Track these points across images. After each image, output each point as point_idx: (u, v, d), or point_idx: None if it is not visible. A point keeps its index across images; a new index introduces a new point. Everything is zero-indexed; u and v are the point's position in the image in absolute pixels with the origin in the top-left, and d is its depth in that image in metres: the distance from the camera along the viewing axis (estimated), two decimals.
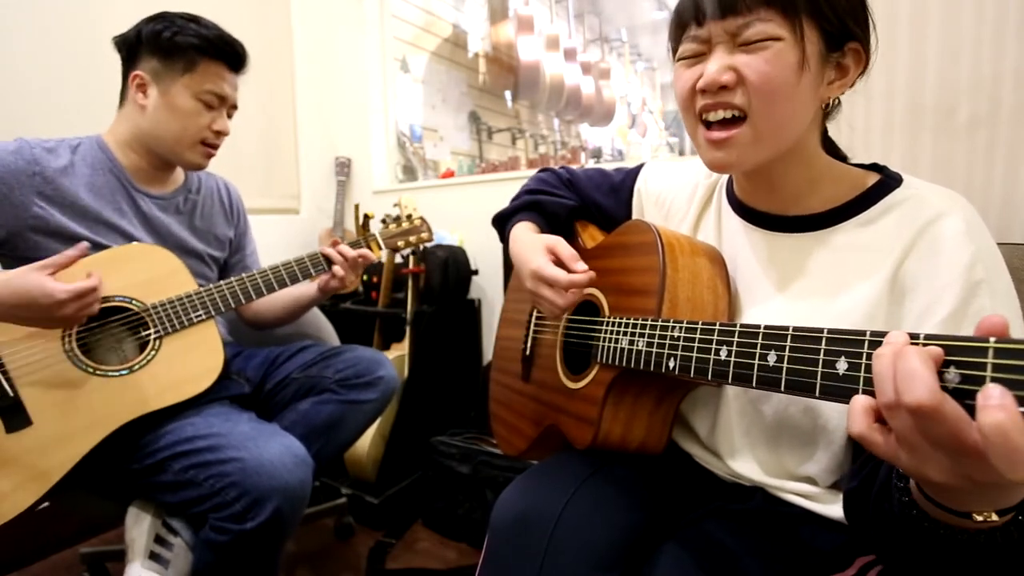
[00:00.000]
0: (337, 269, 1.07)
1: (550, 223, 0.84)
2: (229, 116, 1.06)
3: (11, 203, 0.89)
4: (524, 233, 0.80)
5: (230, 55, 1.01)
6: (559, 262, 0.70)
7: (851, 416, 0.35)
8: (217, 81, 1.00)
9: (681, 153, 2.51)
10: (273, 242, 1.35)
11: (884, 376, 0.33)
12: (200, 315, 0.96)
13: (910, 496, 0.40)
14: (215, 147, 1.05)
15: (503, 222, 0.87)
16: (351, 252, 1.08)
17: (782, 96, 0.54)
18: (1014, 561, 0.38)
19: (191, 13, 1.00)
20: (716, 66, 0.55)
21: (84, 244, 0.84)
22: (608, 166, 0.89)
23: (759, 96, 0.54)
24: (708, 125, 0.58)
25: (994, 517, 0.35)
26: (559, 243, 0.72)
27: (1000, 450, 0.27)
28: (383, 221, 1.17)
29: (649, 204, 0.80)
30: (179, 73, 0.98)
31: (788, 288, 0.61)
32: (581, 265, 0.69)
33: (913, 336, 0.34)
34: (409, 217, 1.17)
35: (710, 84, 0.55)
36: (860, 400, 0.35)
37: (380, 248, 1.13)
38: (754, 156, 0.57)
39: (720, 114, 0.56)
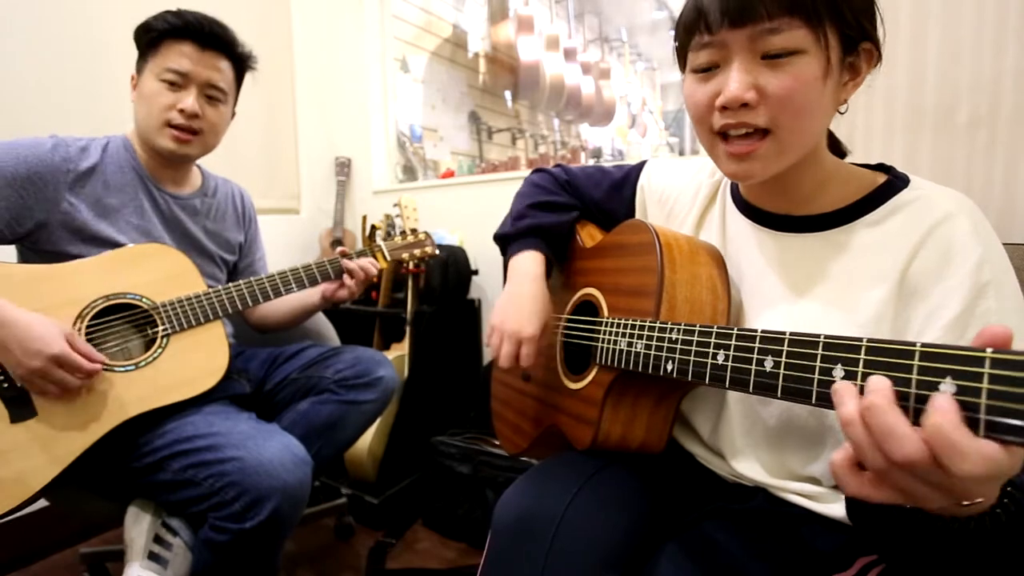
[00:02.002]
0: (351, 283, 1.09)
1: (553, 246, 0.83)
2: (212, 99, 1.02)
3: (44, 197, 0.92)
4: (532, 278, 0.78)
5: (195, 32, 0.98)
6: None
7: (840, 479, 0.36)
8: (177, 58, 0.97)
9: (681, 153, 2.51)
10: (273, 242, 1.36)
11: (863, 444, 0.34)
12: (208, 315, 0.97)
13: None
14: (186, 129, 1.00)
15: (505, 240, 0.85)
16: (358, 269, 1.09)
17: (808, 110, 0.53)
18: (1007, 550, 0.39)
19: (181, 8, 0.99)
20: (738, 84, 0.52)
21: (104, 360, 0.86)
22: (608, 165, 0.89)
23: (786, 114, 0.52)
24: (726, 137, 0.56)
25: (979, 499, 0.36)
26: (547, 322, 0.76)
27: (941, 448, 0.31)
28: (388, 233, 1.19)
29: (652, 202, 0.80)
30: (148, 59, 0.99)
31: (795, 289, 0.61)
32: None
33: (911, 344, 0.35)
34: (414, 232, 1.20)
35: (732, 102, 0.53)
36: (838, 459, 0.36)
37: (386, 260, 1.16)
38: (777, 166, 0.56)
39: (742, 130, 0.55)
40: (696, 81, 0.57)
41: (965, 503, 0.36)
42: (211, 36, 1.00)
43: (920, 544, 0.43)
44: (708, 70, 0.56)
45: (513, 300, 0.76)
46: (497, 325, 0.75)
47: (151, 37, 0.98)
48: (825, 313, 0.58)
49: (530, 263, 0.80)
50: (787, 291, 0.61)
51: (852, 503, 0.52)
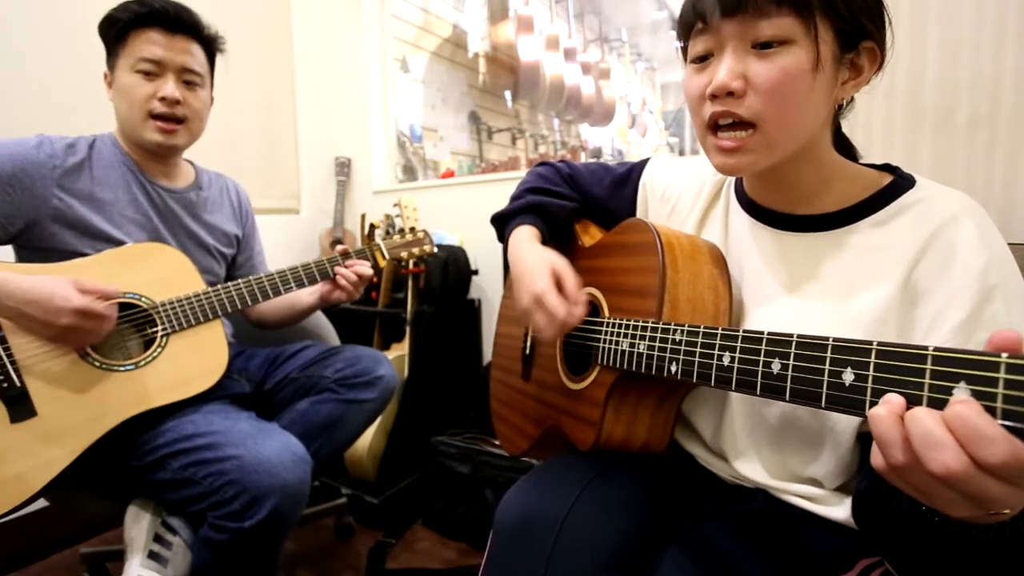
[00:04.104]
0: (346, 285, 1.08)
1: (550, 226, 0.83)
2: (190, 83, 1.01)
3: (33, 194, 0.91)
4: (527, 242, 0.78)
5: (161, 17, 0.96)
6: (560, 288, 0.69)
7: (873, 452, 0.36)
8: (148, 46, 0.96)
9: (681, 153, 2.51)
10: (274, 242, 1.36)
11: (889, 440, 0.33)
12: (207, 315, 0.97)
13: None
14: (170, 118, 0.99)
15: (502, 222, 0.86)
16: (345, 277, 1.09)
17: (794, 102, 0.52)
18: (1022, 556, 0.38)
19: None
20: (726, 71, 0.53)
21: (117, 291, 0.88)
22: (611, 162, 0.89)
23: (771, 103, 0.52)
24: (717, 130, 0.56)
25: (1005, 511, 0.35)
26: (565, 270, 0.70)
27: (966, 435, 0.30)
28: (387, 232, 1.18)
29: (654, 199, 0.79)
30: (119, 53, 0.98)
31: (797, 289, 0.61)
32: (581, 307, 0.68)
33: (922, 348, 0.34)
34: (413, 230, 1.19)
35: (719, 89, 0.53)
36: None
37: (384, 258, 1.15)
38: (765, 161, 0.56)
39: (729, 119, 0.55)
40: (693, 72, 0.58)
41: (991, 512, 0.35)
42: (177, 20, 0.98)
43: (927, 547, 0.42)
44: (704, 59, 0.57)
45: (517, 275, 0.74)
46: (525, 305, 0.71)
47: (117, 29, 0.97)
48: (826, 313, 0.57)
49: (524, 234, 0.79)
50: (788, 290, 0.61)
51: (858, 502, 0.51)
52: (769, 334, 0.45)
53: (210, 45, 1.05)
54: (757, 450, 0.64)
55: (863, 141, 1.14)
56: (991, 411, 0.30)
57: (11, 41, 1.40)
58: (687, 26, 0.57)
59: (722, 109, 0.54)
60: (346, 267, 1.09)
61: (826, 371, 0.40)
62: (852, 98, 0.61)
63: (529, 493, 0.64)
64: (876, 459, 0.35)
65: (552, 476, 0.67)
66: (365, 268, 1.11)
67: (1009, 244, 0.53)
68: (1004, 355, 0.30)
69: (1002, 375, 0.30)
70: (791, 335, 0.43)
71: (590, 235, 0.84)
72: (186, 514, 0.90)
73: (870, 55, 0.55)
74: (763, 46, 0.52)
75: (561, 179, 0.87)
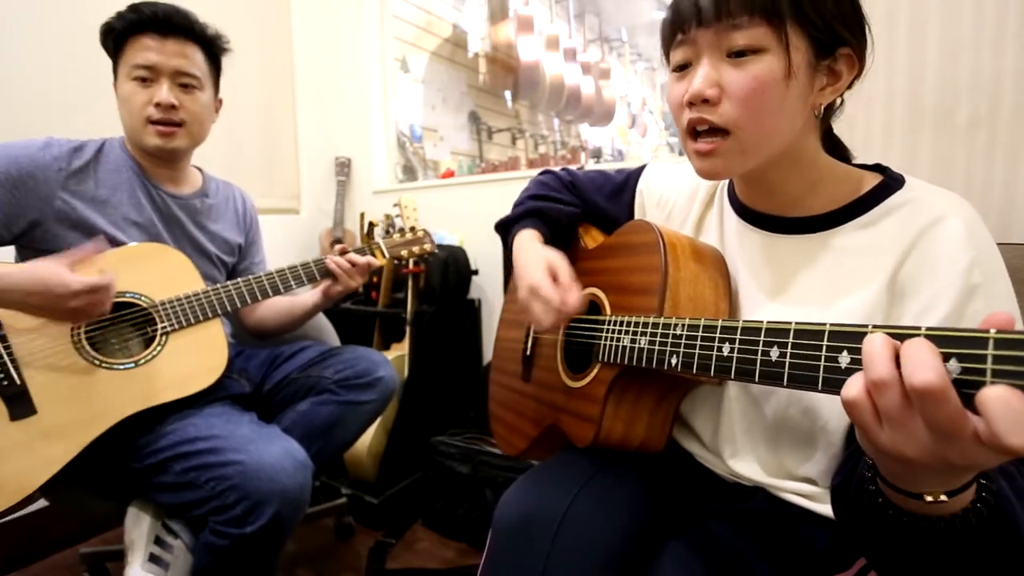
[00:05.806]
0: (342, 275, 1.08)
1: (552, 230, 0.84)
2: (187, 87, 1.01)
3: (37, 195, 0.92)
4: (528, 243, 0.79)
5: (152, 22, 0.96)
6: (556, 281, 0.71)
7: (849, 382, 0.35)
8: (142, 53, 0.96)
9: (681, 153, 2.51)
10: (274, 242, 1.36)
11: (876, 353, 0.33)
12: (207, 313, 0.97)
13: (876, 485, 0.41)
14: (168, 123, 0.99)
15: (506, 228, 0.87)
16: (360, 259, 1.09)
17: (768, 109, 0.53)
18: (979, 554, 0.39)
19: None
20: (702, 79, 0.54)
21: (101, 238, 0.88)
22: (608, 167, 0.89)
23: (744, 110, 0.53)
24: (696, 136, 0.58)
25: (943, 498, 0.36)
26: (560, 264, 0.72)
27: (1002, 417, 0.28)
28: (387, 231, 1.18)
29: (651, 205, 0.80)
30: (119, 62, 0.99)
31: (786, 290, 0.61)
32: (575, 293, 0.69)
33: (915, 328, 0.35)
34: (413, 229, 1.19)
35: (695, 97, 0.55)
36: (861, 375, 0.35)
37: (384, 256, 1.15)
38: (740, 165, 0.57)
39: (706, 126, 0.56)
40: (674, 80, 0.59)
41: (929, 498, 0.36)
42: (167, 22, 0.97)
43: (888, 542, 0.43)
44: (683, 68, 0.58)
45: (516, 274, 0.76)
46: (522, 297, 0.73)
47: (114, 38, 0.98)
48: (813, 315, 0.58)
49: (525, 236, 0.81)
50: (776, 292, 0.62)
51: (832, 497, 0.52)
52: (768, 323, 0.46)
53: (210, 46, 1.04)
54: (753, 449, 0.64)
55: (863, 141, 1.15)
56: (980, 385, 0.31)
57: (11, 42, 1.40)
58: (668, 36, 0.59)
59: (697, 116, 0.56)
60: None
61: (823, 356, 0.40)
62: (842, 101, 0.61)
63: (528, 492, 0.65)
64: (851, 385, 0.35)
65: (551, 475, 0.67)
66: (360, 256, 1.10)
67: (1010, 244, 0.53)
68: (992, 330, 0.31)
69: (990, 351, 0.31)
70: (789, 323, 0.44)
71: (592, 238, 0.85)
72: (187, 518, 0.90)
73: (848, 61, 0.55)
74: (737, 55, 0.53)
75: (563, 186, 0.88)
